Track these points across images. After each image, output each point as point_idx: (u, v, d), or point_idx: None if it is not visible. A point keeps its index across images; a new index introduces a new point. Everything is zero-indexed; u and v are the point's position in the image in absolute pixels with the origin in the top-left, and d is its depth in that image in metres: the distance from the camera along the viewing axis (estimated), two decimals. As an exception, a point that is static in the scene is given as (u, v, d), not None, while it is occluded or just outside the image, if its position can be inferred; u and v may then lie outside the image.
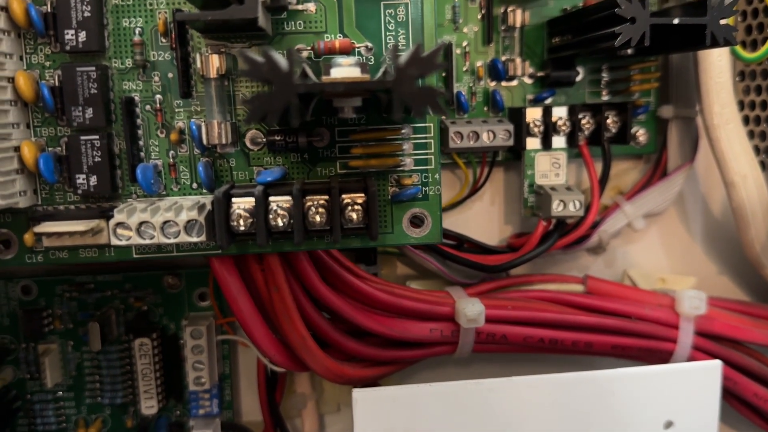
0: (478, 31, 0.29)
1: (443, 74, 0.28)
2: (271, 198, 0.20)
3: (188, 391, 0.29)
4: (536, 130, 0.29)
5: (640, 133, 0.30)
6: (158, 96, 0.22)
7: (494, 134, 0.28)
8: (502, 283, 0.30)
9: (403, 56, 0.15)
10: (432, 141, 0.22)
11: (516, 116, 0.29)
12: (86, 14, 0.21)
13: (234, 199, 0.20)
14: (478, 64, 0.29)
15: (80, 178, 0.21)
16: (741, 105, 0.32)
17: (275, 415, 0.30)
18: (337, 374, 0.27)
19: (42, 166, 0.21)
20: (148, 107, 0.22)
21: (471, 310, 0.27)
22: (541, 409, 0.27)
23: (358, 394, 0.26)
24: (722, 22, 0.24)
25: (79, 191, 0.21)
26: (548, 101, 0.29)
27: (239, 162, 0.22)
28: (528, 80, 0.29)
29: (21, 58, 0.21)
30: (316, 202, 0.20)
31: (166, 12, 0.21)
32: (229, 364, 0.30)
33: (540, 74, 0.29)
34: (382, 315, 0.27)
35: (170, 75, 0.21)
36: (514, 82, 0.29)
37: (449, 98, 0.28)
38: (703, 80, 0.28)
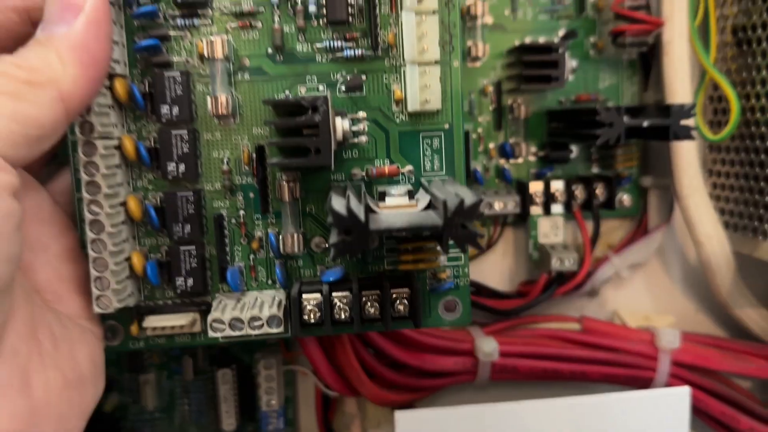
0: (490, 120, 0.36)
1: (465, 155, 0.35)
2: (334, 294, 0.26)
3: (260, 411, 0.36)
4: (538, 200, 0.35)
5: (625, 199, 0.37)
6: (242, 212, 0.27)
7: (505, 204, 0.35)
8: (512, 323, 0.37)
9: (450, 207, 0.21)
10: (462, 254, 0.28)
11: (522, 188, 0.36)
12: (185, 150, 0.26)
13: (304, 296, 0.26)
14: (491, 146, 0.36)
15: (179, 281, 0.27)
16: (710, 172, 0.38)
17: (329, 430, 0.37)
18: (381, 399, 0.34)
19: (149, 272, 0.26)
20: (233, 221, 0.27)
21: (487, 346, 0.34)
22: (544, 427, 0.34)
23: (399, 414, 0.32)
24: (683, 122, 0.31)
25: (178, 291, 0.27)
26: (548, 175, 0.36)
27: (306, 261, 0.27)
28: (531, 158, 0.36)
29: (128, 183, 0.27)
30: (370, 297, 0.26)
31: (248, 146, 0.27)
32: (292, 389, 0.37)
33: (541, 154, 0.36)
34: (417, 351, 0.34)
35: (251, 195, 0.27)
36: (520, 160, 0.36)
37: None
38: (674, 158, 0.35)
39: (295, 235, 0.27)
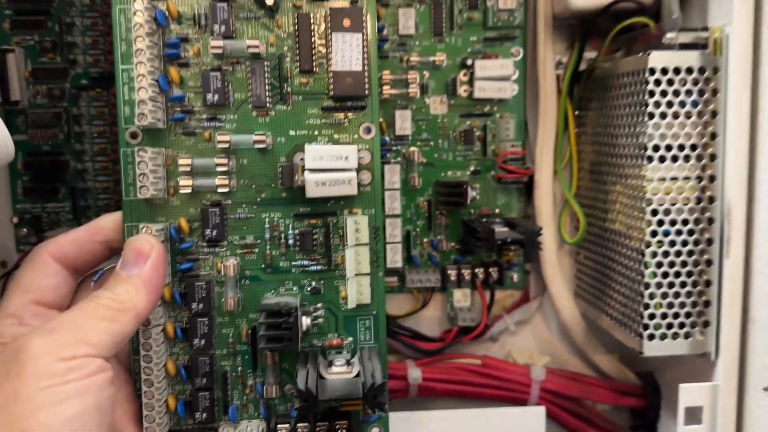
0: (424, 224, 0.54)
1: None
2: (298, 425, 0.39)
3: None
4: (453, 278, 0.54)
5: (514, 277, 0.55)
6: (239, 368, 0.41)
7: (431, 279, 0.53)
8: (435, 358, 0.55)
9: (367, 385, 0.36)
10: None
11: (443, 269, 0.54)
12: (205, 330, 0.39)
13: (279, 425, 0.39)
14: (425, 240, 0.54)
15: (197, 414, 0.40)
16: (576, 261, 0.56)
17: None
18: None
19: (179, 410, 0.39)
20: (233, 374, 0.41)
21: (415, 373, 0.52)
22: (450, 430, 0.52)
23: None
24: (535, 239, 0.49)
25: (197, 421, 0.40)
26: (461, 261, 0.54)
27: (280, 401, 0.40)
28: (451, 249, 0.54)
29: (167, 350, 0.40)
30: (323, 427, 0.39)
31: (246, 326, 0.40)
32: None
33: (456, 247, 0.54)
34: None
35: (246, 357, 0.40)
36: (444, 249, 0.54)
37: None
38: (542, 255, 0.53)
39: (274, 386, 0.41)
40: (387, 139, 0.52)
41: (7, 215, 0.50)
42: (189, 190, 0.39)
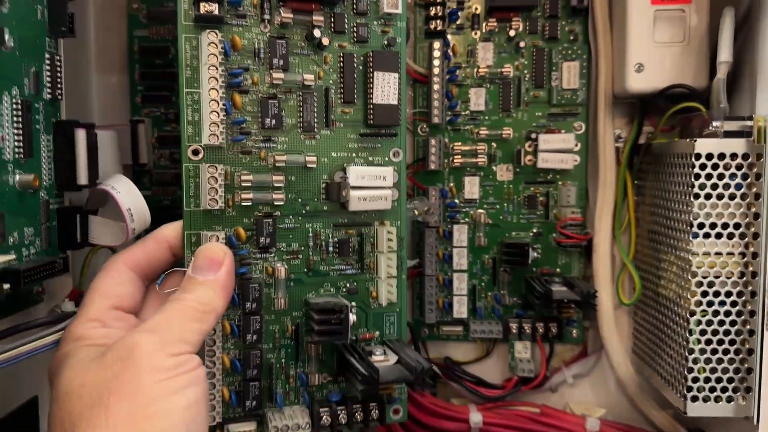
0: (488, 279, 0.59)
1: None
2: (337, 407, 0.44)
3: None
4: (515, 330, 0.58)
5: (574, 332, 0.59)
6: (283, 360, 0.45)
7: (494, 331, 0.58)
8: (497, 404, 0.59)
9: (417, 369, 0.42)
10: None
11: (505, 323, 0.59)
12: (256, 327, 0.43)
13: (320, 409, 0.44)
14: (489, 294, 0.59)
15: (248, 403, 0.43)
16: (634, 321, 0.60)
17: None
18: (410, 443, 0.57)
19: (233, 399, 0.43)
20: (278, 365, 0.45)
21: (476, 417, 0.57)
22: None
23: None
24: (590, 301, 0.53)
25: (246, 409, 0.43)
26: (522, 315, 0.59)
27: (319, 388, 0.45)
28: (513, 303, 0.59)
29: (222, 346, 0.43)
30: (357, 408, 0.45)
31: (290, 323, 0.44)
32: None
33: (518, 302, 0.59)
34: (432, 416, 0.57)
35: (290, 351, 0.44)
36: (506, 303, 0.59)
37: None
38: (599, 313, 0.57)
39: (316, 374, 0.45)
40: (456, 201, 0.58)
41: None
42: (249, 203, 0.43)
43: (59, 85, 0.45)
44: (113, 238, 0.44)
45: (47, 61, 0.43)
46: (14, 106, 0.40)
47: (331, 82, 0.45)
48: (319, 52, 0.45)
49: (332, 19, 0.44)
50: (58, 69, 0.44)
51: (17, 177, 0.40)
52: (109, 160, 0.46)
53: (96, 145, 0.44)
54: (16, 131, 0.40)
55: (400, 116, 0.46)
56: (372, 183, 0.45)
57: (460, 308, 0.58)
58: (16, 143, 0.40)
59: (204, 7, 0.40)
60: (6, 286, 0.36)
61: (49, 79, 0.44)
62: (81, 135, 0.44)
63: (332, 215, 0.46)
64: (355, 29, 0.45)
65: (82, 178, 0.44)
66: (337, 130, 0.45)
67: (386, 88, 0.45)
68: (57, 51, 0.45)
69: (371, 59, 0.45)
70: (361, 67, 0.45)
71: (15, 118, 0.40)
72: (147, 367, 0.33)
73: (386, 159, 0.46)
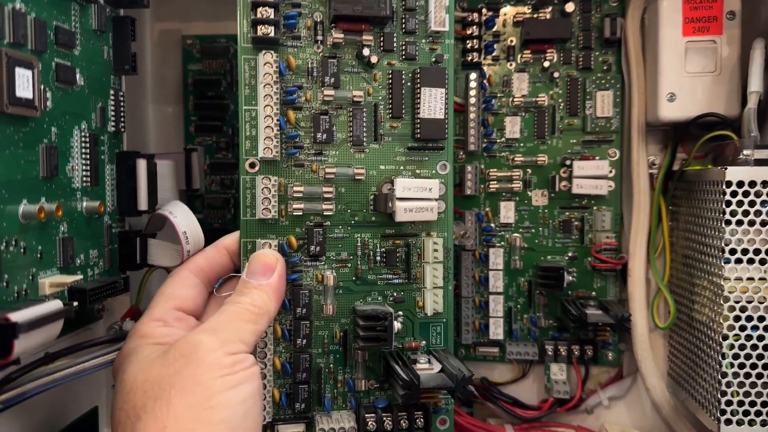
0: (524, 301, 0.61)
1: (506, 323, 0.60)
2: (383, 414, 0.45)
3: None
4: (550, 352, 0.60)
5: (609, 355, 0.60)
6: (331, 365, 0.46)
7: (529, 352, 0.60)
8: (533, 425, 0.61)
9: (458, 377, 0.46)
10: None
11: (541, 345, 0.60)
12: (306, 332, 0.45)
13: (366, 415, 0.45)
14: (525, 316, 0.61)
15: (297, 405, 0.45)
16: (669, 344, 0.60)
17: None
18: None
19: (283, 400, 0.45)
20: (327, 370, 0.46)
21: (512, 437, 0.58)
22: (542, 490, 0.57)
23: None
24: (623, 323, 0.54)
25: (296, 410, 0.45)
26: (558, 337, 0.60)
27: (365, 395, 0.47)
28: (548, 325, 0.61)
29: (274, 349, 0.46)
30: (403, 416, 0.45)
31: (338, 329, 0.45)
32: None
33: (554, 324, 0.60)
34: (469, 435, 0.59)
35: (338, 356, 0.46)
36: (542, 325, 0.61)
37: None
38: (633, 337, 0.58)
39: (363, 380, 0.47)
40: (492, 225, 0.60)
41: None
42: (300, 213, 0.45)
43: (122, 119, 0.48)
44: (170, 259, 0.47)
45: (111, 97, 0.47)
46: (83, 139, 0.43)
47: (380, 98, 0.47)
48: (368, 70, 0.47)
49: (381, 38, 0.47)
50: (122, 104, 0.48)
51: (84, 204, 0.43)
52: (167, 187, 0.50)
53: (155, 173, 0.48)
54: (84, 162, 0.43)
55: (447, 130, 0.47)
56: (418, 195, 0.46)
57: (497, 330, 0.60)
58: (84, 173, 0.43)
59: (261, 30, 0.43)
60: (75, 303, 0.40)
61: (113, 113, 0.47)
62: (142, 165, 0.47)
63: (380, 226, 0.48)
64: (403, 47, 0.47)
65: (143, 204, 0.47)
66: (386, 143, 0.47)
67: (433, 103, 0.47)
68: (120, 87, 0.49)
69: (419, 75, 0.47)
70: (409, 84, 0.47)
71: (83, 150, 0.43)
72: (207, 364, 0.35)
73: (433, 172, 0.48)
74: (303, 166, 0.46)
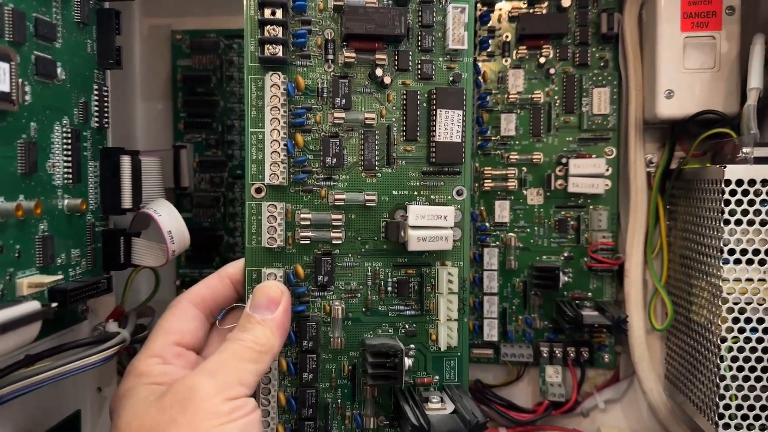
0: (519, 303, 0.59)
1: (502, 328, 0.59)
2: None
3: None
4: (545, 354, 0.58)
5: (605, 357, 0.59)
6: (339, 400, 0.45)
7: (524, 354, 0.59)
8: (527, 429, 0.59)
9: (472, 423, 0.40)
10: None
11: (536, 347, 0.59)
12: (313, 366, 0.44)
13: None
14: (520, 317, 0.60)
15: None
16: (666, 346, 0.59)
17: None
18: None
19: None
20: (334, 405, 0.45)
21: (506, 441, 0.57)
22: (537, 495, 0.56)
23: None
24: (620, 326, 0.53)
25: None
26: (553, 339, 0.59)
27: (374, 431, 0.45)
28: (543, 326, 0.59)
29: (279, 384, 0.44)
30: None
31: (347, 362, 0.45)
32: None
33: (549, 326, 0.59)
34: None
35: (346, 391, 0.45)
36: (537, 327, 0.60)
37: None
38: (630, 338, 0.57)
39: (372, 418, 0.45)
40: (487, 225, 0.59)
41: (171, 279, 0.61)
42: (308, 242, 0.44)
43: (106, 114, 0.47)
44: (155, 259, 0.46)
45: (95, 92, 0.46)
46: (64, 134, 0.42)
47: (393, 119, 0.45)
48: (382, 90, 0.45)
49: (396, 57, 0.45)
50: (105, 99, 0.47)
51: (66, 201, 0.42)
52: (153, 185, 0.49)
53: (140, 170, 0.47)
54: (65, 158, 0.42)
55: (464, 154, 0.45)
56: (432, 223, 0.44)
57: (491, 331, 0.59)
58: (65, 169, 0.42)
59: (268, 50, 0.42)
60: (54, 304, 0.39)
61: (96, 108, 0.46)
62: (126, 161, 0.46)
63: (392, 254, 0.46)
64: (419, 66, 0.45)
65: (127, 202, 0.46)
66: (399, 168, 0.45)
67: (450, 126, 0.45)
68: (104, 82, 0.48)
69: (435, 96, 0.45)
70: (424, 105, 0.45)
71: (65, 146, 0.42)
72: (204, 412, 0.34)
73: (449, 197, 0.46)
74: (311, 192, 0.44)
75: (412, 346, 0.46)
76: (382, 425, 0.46)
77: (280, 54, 0.42)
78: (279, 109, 0.42)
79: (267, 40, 0.41)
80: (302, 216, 0.44)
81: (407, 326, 0.46)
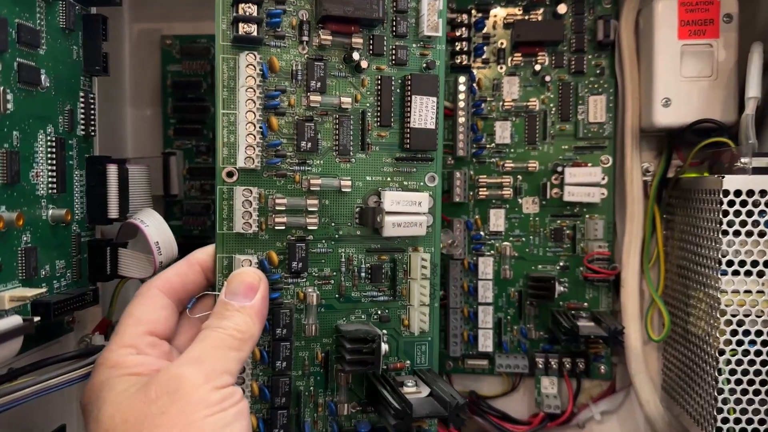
0: (514, 313, 0.59)
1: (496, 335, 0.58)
2: None
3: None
4: (541, 365, 0.58)
5: (601, 368, 0.58)
6: (311, 388, 0.44)
7: (519, 365, 0.58)
8: (522, 440, 0.59)
9: (452, 405, 0.40)
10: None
11: (531, 357, 0.58)
12: (286, 353, 0.42)
13: None
14: (515, 327, 0.59)
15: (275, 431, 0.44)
16: (664, 357, 0.59)
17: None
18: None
19: (261, 428, 0.42)
20: (306, 393, 0.44)
21: (501, 454, 0.56)
22: None
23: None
24: (617, 337, 0.52)
25: None
26: (549, 350, 0.58)
27: (347, 418, 0.44)
28: (538, 337, 0.59)
29: (252, 373, 0.42)
30: None
31: (320, 350, 0.44)
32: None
33: (545, 336, 0.58)
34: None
35: (318, 378, 0.44)
36: (532, 337, 0.59)
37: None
38: (626, 350, 0.56)
39: (345, 404, 0.44)
40: (482, 234, 0.58)
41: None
42: (283, 227, 0.42)
43: (93, 122, 0.46)
44: (142, 270, 0.45)
45: (81, 99, 0.45)
46: (49, 143, 0.41)
47: (368, 105, 0.45)
48: (356, 75, 0.44)
49: (371, 42, 0.44)
50: (92, 106, 0.46)
51: (50, 212, 0.41)
52: (140, 194, 0.48)
53: (127, 179, 0.46)
54: (50, 167, 0.41)
55: (437, 141, 0.45)
56: (407, 209, 0.44)
57: (486, 342, 0.58)
58: (50, 179, 0.41)
59: (243, 28, 0.40)
60: (36, 318, 0.38)
61: (83, 116, 0.45)
62: (112, 170, 0.45)
63: (365, 240, 0.45)
64: (393, 52, 0.45)
65: (113, 211, 0.45)
66: (373, 153, 0.45)
67: (424, 112, 0.44)
68: (91, 89, 0.47)
69: (409, 82, 0.44)
70: (398, 90, 0.45)
71: (49, 155, 0.41)
72: (194, 402, 0.32)
73: (422, 184, 0.46)
74: (285, 177, 0.43)
75: (385, 331, 0.45)
76: (354, 411, 0.45)
77: (255, 33, 0.40)
78: (255, 91, 0.41)
79: (242, 18, 0.40)
80: (277, 201, 0.42)
81: (380, 312, 0.46)
